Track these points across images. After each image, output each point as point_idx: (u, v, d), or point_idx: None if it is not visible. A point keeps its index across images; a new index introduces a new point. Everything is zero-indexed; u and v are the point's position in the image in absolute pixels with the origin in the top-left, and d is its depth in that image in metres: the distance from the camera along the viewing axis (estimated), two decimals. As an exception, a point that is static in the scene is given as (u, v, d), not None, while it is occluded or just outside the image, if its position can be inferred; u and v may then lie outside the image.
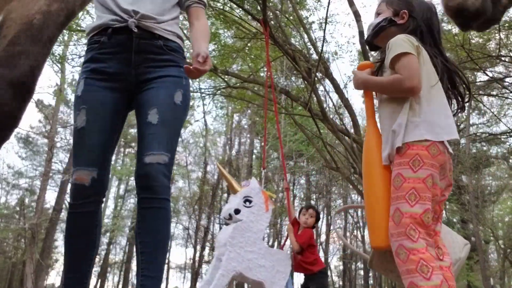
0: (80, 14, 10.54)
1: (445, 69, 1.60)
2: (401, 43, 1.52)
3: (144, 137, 1.64)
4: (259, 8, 7.07)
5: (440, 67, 1.58)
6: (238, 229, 2.88)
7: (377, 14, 1.76)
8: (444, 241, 1.51)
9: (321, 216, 26.44)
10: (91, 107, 1.65)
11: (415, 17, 1.65)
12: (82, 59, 10.94)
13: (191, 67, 1.58)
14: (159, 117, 1.64)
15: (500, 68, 10.30)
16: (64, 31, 10.00)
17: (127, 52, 1.69)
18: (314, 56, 8.03)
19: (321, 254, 26.41)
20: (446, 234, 1.61)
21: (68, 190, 18.67)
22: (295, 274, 3.98)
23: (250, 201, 2.96)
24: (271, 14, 7.29)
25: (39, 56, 0.95)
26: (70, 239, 1.63)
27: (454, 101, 1.69)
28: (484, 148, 19.72)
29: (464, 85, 1.67)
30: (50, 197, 48.03)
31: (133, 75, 1.70)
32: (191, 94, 7.79)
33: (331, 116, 8.45)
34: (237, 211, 2.92)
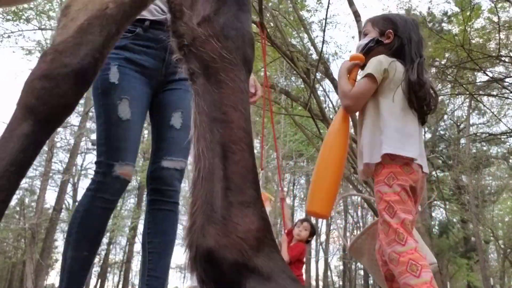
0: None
1: (416, 83, 1.67)
2: (373, 64, 1.68)
3: (164, 139, 1.61)
4: (256, 9, 7.08)
5: (406, 82, 1.68)
6: None
7: (364, 34, 1.87)
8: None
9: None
10: (133, 98, 1.55)
11: (400, 35, 1.77)
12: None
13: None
14: (183, 122, 1.61)
15: (500, 68, 10.30)
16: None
17: (161, 49, 1.61)
18: (314, 56, 8.03)
19: (321, 254, 26.41)
20: (420, 241, 1.71)
21: (68, 189, 18.66)
22: None
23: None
24: (268, 14, 7.29)
25: (104, 49, 0.88)
26: (99, 234, 1.55)
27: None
28: (484, 148, 19.71)
29: (430, 100, 1.74)
30: (50, 197, 48.03)
31: (163, 74, 1.63)
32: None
33: (331, 116, 8.44)
34: None
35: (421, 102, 1.68)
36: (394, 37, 1.78)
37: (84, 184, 36.54)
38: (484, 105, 14.04)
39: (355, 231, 31.18)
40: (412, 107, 1.67)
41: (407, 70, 1.69)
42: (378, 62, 1.68)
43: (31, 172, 22.44)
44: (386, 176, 1.56)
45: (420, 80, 1.67)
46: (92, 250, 1.51)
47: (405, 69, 1.70)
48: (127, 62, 1.57)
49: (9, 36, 10.10)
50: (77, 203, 1.48)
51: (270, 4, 7.48)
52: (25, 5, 9.43)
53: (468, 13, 8.00)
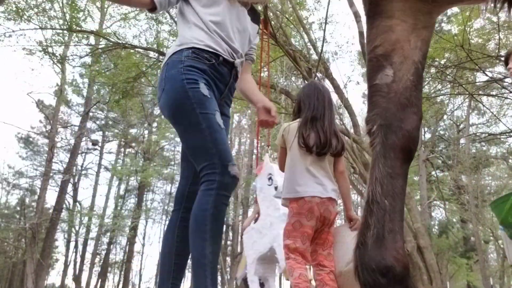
0: (81, 15, 10.56)
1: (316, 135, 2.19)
2: (278, 137, 2.36)
3: None
4: (259, 8, 7.10)
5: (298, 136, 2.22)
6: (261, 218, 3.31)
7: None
8: (337, 253, 2.14)
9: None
10: (218, 115, 1.71)
11: (302, 107, 2.29)
12: (82, 60, 10.97)
13: (262, 119, 1.92)
14: None
15: (499, 68, 10.32)
16: (64, 31, 10.03)
17: (223, 84, 1.81)
18: (314, 56, 8.05)
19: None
20: (339, 249, 2.15)
21: (69, 189, 18.60)
22: None
23: (271, 178, 3.19)
24: (271, 14, 7.32)
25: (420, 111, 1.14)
26: (222, 228, 1.68)
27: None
28: (484, 148, 19.74)
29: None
30: (51, 197, 48.02)
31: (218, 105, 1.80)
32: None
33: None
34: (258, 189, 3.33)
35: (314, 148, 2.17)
36: (300, 107, 2.33)
37: (84, 184, 36.56)
38: (484, 105, 14.07)
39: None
40: (309, 152, 2.16)
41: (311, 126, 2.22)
42: (279, 136, 2.33)
43: (31, 172, 22.52)
44: (289, 210, 2.17)
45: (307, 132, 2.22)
46: (221, 243, 1.65)
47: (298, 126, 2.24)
48: (206, 83, 1.71)
49: (10, 36, 10.12)
50: (197, 204, 1.59)
51: (270, 4, 7.50)
52: (26, 5, 9.48)
53: (467, 13, 8.03)
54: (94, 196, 21.67)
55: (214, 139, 1.62)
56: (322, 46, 6.01)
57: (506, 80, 9.04)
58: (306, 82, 8.04)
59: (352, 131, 7.77)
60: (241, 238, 3.30)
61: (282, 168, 2.32)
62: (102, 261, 22.62)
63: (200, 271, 1.50)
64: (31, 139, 23.55)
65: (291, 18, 8.53)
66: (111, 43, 9.23)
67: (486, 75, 8.67)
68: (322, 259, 2.11)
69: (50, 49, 10.08)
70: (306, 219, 2.08)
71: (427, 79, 10.94)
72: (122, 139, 21.76)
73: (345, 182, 2.28)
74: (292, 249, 2.07)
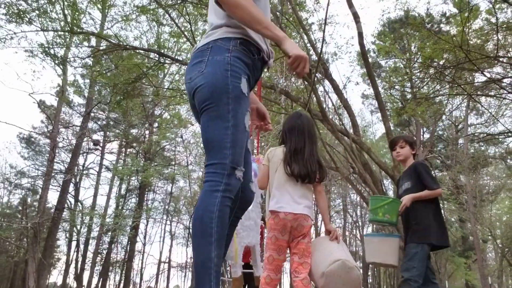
0: (81, 16, 10.64)
1: (290, 158, 2.49)
2: (264, 157, 2.66)
3: (247, 163, 1.72)
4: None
5: (285, 160, 2.50)
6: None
7: None
8: (318, 258, 2.36)
9: (320, 215, 26.45)
10: (248, 115, 1.65)
11: (286, 139, 2.57)
12: (84, 61, 11.05)
13: (257, 124, 1.98)
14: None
15: (498, 69, 10.39)
16: (66, 33, 10.10)
17: (255, 81, 1.76)
18: (314, 57, 8.13)
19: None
20: (321, 255, 2.38)
21: (69, 190, 18.66)
22: None
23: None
24: (271, 15, 7.40)
25: None
26: (225, 233, 1.56)
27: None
28: (482, 148, 19.81)
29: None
30: (52, 197, 47.99)
31: None
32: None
33: (330, 117, 8.55)
34: None
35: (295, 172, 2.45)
36: (284, 136, 2.61)
37: (85, 184, 36.50)
38: (482, 106, 14.13)
39: (354, 230, 31.28)
40: (288, 174, 2.45)
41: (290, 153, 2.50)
42: (265, 156, 2.64)
43: (33, 172, 22.59)
44: (268, 225, 2.46)
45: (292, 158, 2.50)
46: (224, 246, 1.57)
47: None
48: (247, 80, 1.64)
49: (12, 38, 10.19)
50: (202, 205, 1.50)
51: (269, 5, 7.57)
52: (27, 6, 9.54)
53: (466, 14, 8.10)
54: (95, 195, 21.74)
55: (235, 139, 1.55)
56: (322, 46, 6.09)
57: (504, 80, 9.12)
58: (305, 83, 8.13)
59: (351, 131, 7.86)
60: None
61: (260, 183, 2.61)
62: (103, 260, 22.69)
63: (205, 275, 1.45)
64: (33, 139, 23.64)
65: (291, 19, 8.61)
66: (112, 45, 9.30)
67: (485, 75, 8.71)
68: (297, 266, 2.35)
69: (51, 51, 10.15)
70: (280, 234, 2.39)
71: (425, 79, 11.01)
72: (123, 139, 21.81)
73: (323, 200, 2.54)
74: (270, 261, 2.41)
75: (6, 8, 9.35)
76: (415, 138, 3.99)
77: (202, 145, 1.71)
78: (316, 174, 2.44)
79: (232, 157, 1.53)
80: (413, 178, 3.17)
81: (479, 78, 10.07)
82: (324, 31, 5.80)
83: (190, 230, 2.05)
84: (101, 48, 10.34)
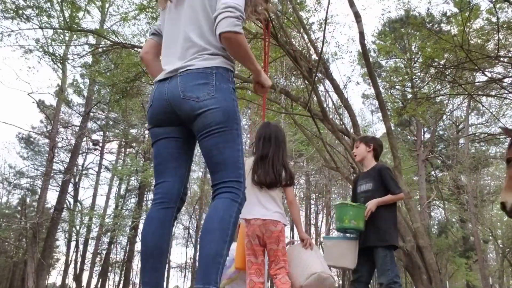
0: (80, 14, 10.59)
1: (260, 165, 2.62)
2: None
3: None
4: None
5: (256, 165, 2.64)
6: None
7: None
8: (296, 270, 2.55)
9: (320, 215, 26.49)
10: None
11: (255, 147, 2.71)
12: (82, 60, 11.00)
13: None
14: None
15: (498, 69, 10.37)
16: (65, 31, 10.05)
17: None
18: (314, 56, 8.09)
19: (322, 253, 26.38)
20: (297, 266, 2.56)
21: (68, 190, 18.53)
22: None
23: None
24: (272, 14, 7.35)
25: None
26: (233, 236, 1.78)
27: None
28: (483, 148, 19.78)
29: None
30: (51, 197, 47.97)
31: None
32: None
33: (330, 116, 8.50)
34: None
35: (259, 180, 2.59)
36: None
37: (85, 184, 36.47)
38: (483, 105, 14.12)
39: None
40: (259, 186, 2.59)
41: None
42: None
43: (32, 172, 22.55)
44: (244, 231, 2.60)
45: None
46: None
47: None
48: None
49: (9, 35, 10.12)
50: (223, 207, 1.66)
51: (269, 4, 7.53)
52: (24, 3, 9.49)
53: (467, 14, 8.06)
54: (94, 196, 21.71)
55: (243, 161, 1.74)
56: (322, 46, 6.05)
57: (505, 80, 9.09)
58: (306, 82, 8.09)
59: (352, 131, 7.81)
60: None
61: None
62: (102, 261, 22.67)
63: (213, 267, 1.53)
64: (32, 139, 23.60)
65: (291, 18, 8.57)
66: (111, 43, 9.26)
67: (486, 75, 8.69)
68: (275, 271, 2.52)
69: (50, 49, 10.09)
70: (252, 239, 2.54)
71: (426, 79, 10.98)
72: (123, 139, 21.78)
73: (295, 209, 2.67)
74: (249, 265, 2.54)
75: (3, 4, 9.29)
76: (374, 136, 3.93)
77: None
78: (281, 178, 2.56)
79: (243, 177, 1.73)
80: (376, 180, 3.17)
81: (480, 78, 10.05)
82: (324, 31, 5.77)
83: (190, 231, 2.13)
84: (100, 46, 10.28)
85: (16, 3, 9.20)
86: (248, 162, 2.63)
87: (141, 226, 23.95)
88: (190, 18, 1.80)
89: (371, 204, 3.03)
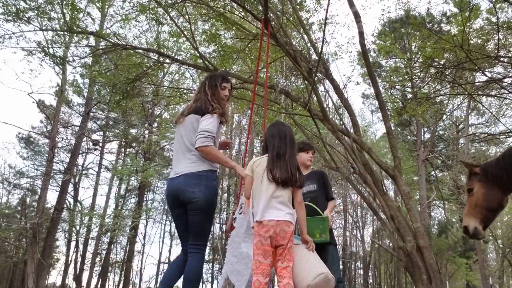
0: (80, 15, 10.58)
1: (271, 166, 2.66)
2: (247, 167, 2.80)
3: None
4: (260, 8, 7.13)
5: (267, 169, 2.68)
6: (232, 235, 3.01)
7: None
8: (302, 270, 2.60)
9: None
10: None
11: (269, 146, 2.76)
12: (82, 61, 10.99)
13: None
14: None
15: (498, 69, 10.37)
16: (65, 32, 10.05)
17: None
18: (314, 56, 8.09)
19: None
20: (304, 267, 2.62)
21: (68, 190, 18.56)
22: None
23: (241, 207, 3.02)
24: (272, 14, 7.35)
25: None
26: None
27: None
28: (483, 148, 19.78)
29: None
30: (51, 197, 48.00)
31: None
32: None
33: (330, 116, 8.49)
34: (235, 220, 3.05)
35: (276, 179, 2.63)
36: (266, 144, 2.83)
37: (85, 184, 36.43)
38: (483, 105, 14.12)
39: (354, 230, 31.23)
40: (276, 184, 2.61)
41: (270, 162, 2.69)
42: (248, 166, 2.78)
43: (32, 172, 22.55)
44: (253, 232, 2.62)
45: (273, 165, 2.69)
46: None
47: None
48: None
49: (10, 37, 10.12)
50: (199, 265, 2.94)
51: (270, 5, 7.53)
52: (26, 5, 9.48)
53: (467, 14, 8.06)
54: (94, 196, 21.72)
55: (210, 231, 2.95)
56: (322, 46, 6.04)
57: (505, 80, 9.08)
58: (306, 82, 8.08)
59: (352, 131, 7.80)
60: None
61: (248, 194, 2.72)
62: (102, 261, 22.66)
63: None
64: (32, 139, 23.60)
65: (291, 18, 8.57)
66: (111, 44, 9.26)
67: (485, 75, 8.69)
68: (281, 270, 2.53)
69: (50, 50, 10.09)
70: (264, 239, 2.54)
71: (426, 79, 10.98)
72: (123, 139, 21.78)
73: (302, 210, 2.72)
74: (257, 265, 2.55)
75: (4, 7, 9.29)
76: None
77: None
78: (296, 178, 2.62)
79: (208, 242, 2.87)
80: (320, 183, 3.73)
81: (480, 78, 10.06)
82: (324, 31, 5.76)
83: (184, 275, 2.86)
84: (100, 47, 10.28)
85: (17, 6, 9.20)
86: (262, 162, 2.67)
87: (141, 226, 24.00)
88: (186, 135, 2.87)
89: (329, 214, 3.48)
